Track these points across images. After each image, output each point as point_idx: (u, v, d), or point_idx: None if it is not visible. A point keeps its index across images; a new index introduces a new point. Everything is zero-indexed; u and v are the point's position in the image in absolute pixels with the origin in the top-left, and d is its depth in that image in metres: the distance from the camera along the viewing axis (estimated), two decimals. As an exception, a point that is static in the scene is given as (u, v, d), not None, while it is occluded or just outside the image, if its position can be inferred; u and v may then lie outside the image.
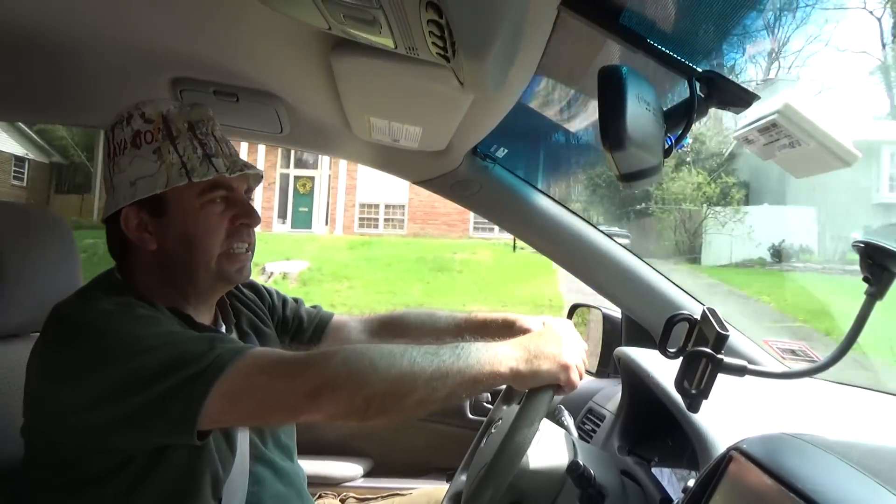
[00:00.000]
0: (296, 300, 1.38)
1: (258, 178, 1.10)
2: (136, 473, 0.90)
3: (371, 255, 14.00)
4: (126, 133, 0.98)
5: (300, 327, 1.33)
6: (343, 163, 16.42)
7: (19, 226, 1.19)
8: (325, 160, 17.68)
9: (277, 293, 1.35)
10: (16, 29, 1.09)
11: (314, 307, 1.39)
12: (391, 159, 1.67)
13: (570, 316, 2.07)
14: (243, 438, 1.05)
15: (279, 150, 16.39)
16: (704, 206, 15.00)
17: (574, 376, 0.93)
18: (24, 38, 1.13)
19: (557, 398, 0.96)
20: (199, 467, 0.94)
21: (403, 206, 18.11)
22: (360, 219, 17.84)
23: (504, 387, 1.20)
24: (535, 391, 0.91)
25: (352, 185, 17.66)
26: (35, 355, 0.92)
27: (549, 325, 1.05)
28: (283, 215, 17.97)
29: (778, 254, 13.65)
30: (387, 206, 18.10)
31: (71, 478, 0.91)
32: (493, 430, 1.07)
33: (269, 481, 1.08)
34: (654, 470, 1.17)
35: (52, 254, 1.23)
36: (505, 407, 1.13)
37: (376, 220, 18.00)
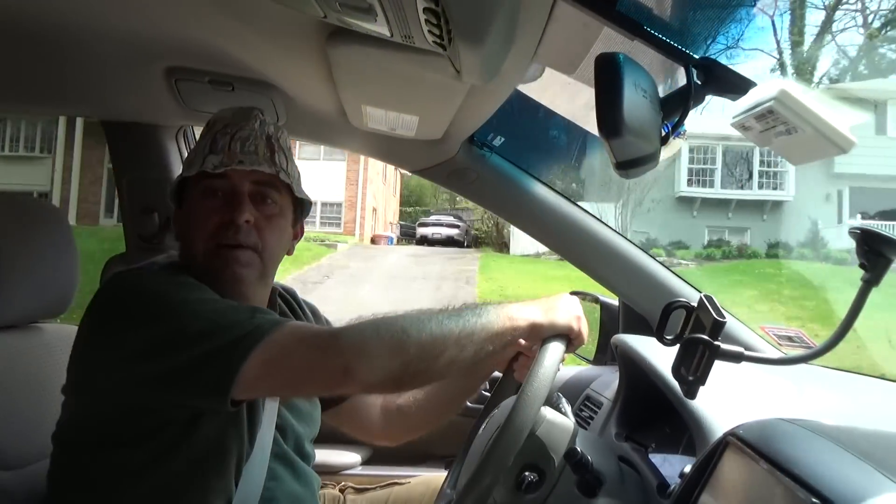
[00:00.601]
0: (326, 321, 1.35)
1: (270, 176, 1.05)
2: (168, 441, 0.93)
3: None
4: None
5: None
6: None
7: (17, 217, 1.19)
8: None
9: (312, 308, 1.32)
10: (5, 17, 1.08)
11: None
12: (387, 148, 1.67)
13: None
14: (267, 431, 1.05)
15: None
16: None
17: (584, 328, 0.99)
18: (14, 27, 1.12)
19: (558, 386, 0.97)
20: (227, 444, 0.97)
21: (340, 204, 18.35)
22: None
23: (501, 376, 1.21)
24: (549, 340, 0.95)
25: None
26: (87, 314, 0.97)
27: (554, 295, 1.08)
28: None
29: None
30: (323, 204, 18.29)
31: (104, 439, 0.94)
32: (491, 417, 1.07)
33: (286, 479, 1.09)
34: (651, 456, 1.18)
35: (50, 245, 1.23)
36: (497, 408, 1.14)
37: (313, 218, 18.09)
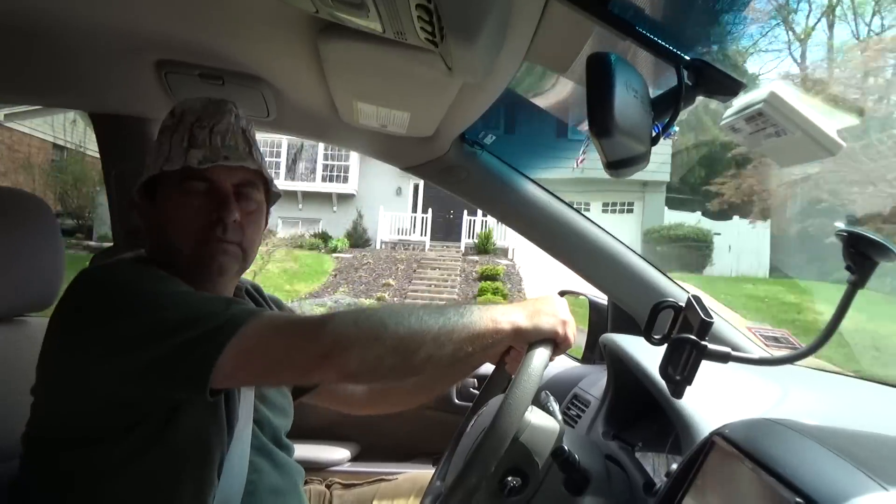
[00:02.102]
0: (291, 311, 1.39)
1: (254, 173, 1.08)
2: (147, 436, 0.92)
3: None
4: (164, 126, 1.06)
5: None
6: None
7: (2, 210, 1.18)
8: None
9: (273, 299, 1.34)
10: None
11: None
12: (378, 145, 1.66)
13: None
14: (245, 425, 1.05)
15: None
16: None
17: (571, 332, 0.97)
18: (3, 19, 1.11)
19: (548, 376, 0.97)
20: (206, 437, 0.97)
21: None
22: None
23: (490, 373, 1.21)
24: (535, 345, 0.93)
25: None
26: (58, 311, 0.96)
27: (542, 295, 1.07)
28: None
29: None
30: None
31: (80, 437, 0.93)
32: (479, 414, 1.07)
33: (267, 472, 1.09)
34: (637, 455, 1.19)
35: (36, 238, 1.22)
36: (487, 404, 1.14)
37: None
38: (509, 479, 0.91)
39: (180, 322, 0.86)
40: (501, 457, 0.83)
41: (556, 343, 0.95)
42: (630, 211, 19.81)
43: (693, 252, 17.35)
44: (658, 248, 17.18)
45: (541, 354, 0.92)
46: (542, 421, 0.94)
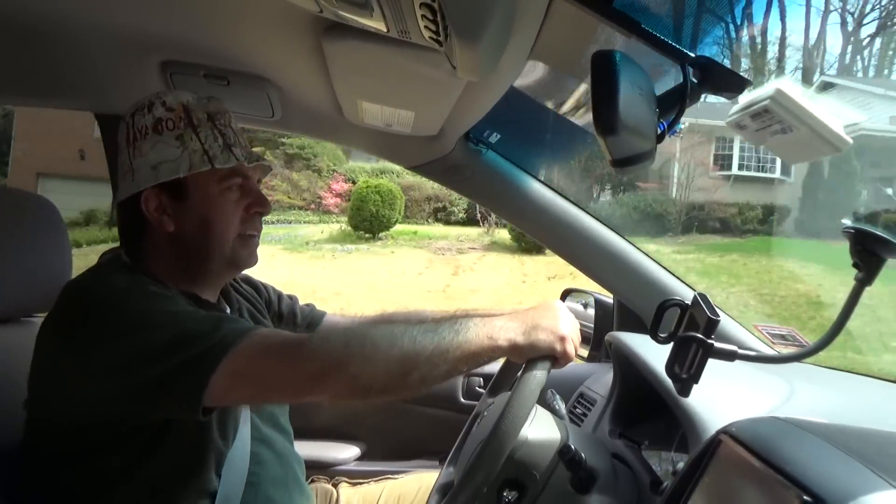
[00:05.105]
0: (290, 297, 1.41)
1: (267, 170, 1.14)
2: (143, 445, 0.92)
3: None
4: (147, 120, 1.02)
5: (294, 323, 1.36)
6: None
7: (9, 210, 1.18)
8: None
9: (273, 289, 1.38)
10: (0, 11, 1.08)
11: (308, 305, 1.43)
12: (383, 144, 1.66)
13: (562, 300, 2.08)
14: (245, 419, 1.06)
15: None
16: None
17: (570, 348, 0.94)
18: (8, 20, 1.11)
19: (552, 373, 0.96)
20: (204, 440, 0.97)
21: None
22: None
23: (496, 374, 1.21)
24: (533, 361, 0.91)
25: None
26: (46, 328, 0.95)
27: (542, 302, 1.05)
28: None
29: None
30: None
31: (77, 449, 0.93)
32: (484, 415, 1.07)
33: (269, 463, 1.10)
34: (644, 453, 1.18)
35: (43, 238, 1.22)
36: (492, 400, 1.14)
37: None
38: (505, 493, 0.91)
39: (170, 344, 0.85)
40: (497, 472, 0.83)
41: (556, 358, 0.93)
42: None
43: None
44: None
45: (536, 376, 0.89)
46: (539, 434, 0.94)
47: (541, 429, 0.94)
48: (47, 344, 0.94)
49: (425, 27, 0.79)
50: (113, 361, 0.86)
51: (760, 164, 15.78)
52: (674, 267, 1.60)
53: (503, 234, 13.31)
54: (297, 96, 1.41)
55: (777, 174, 15.91)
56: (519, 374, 0.93)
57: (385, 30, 0.84)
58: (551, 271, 10.97)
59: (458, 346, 0.88)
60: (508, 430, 0.84)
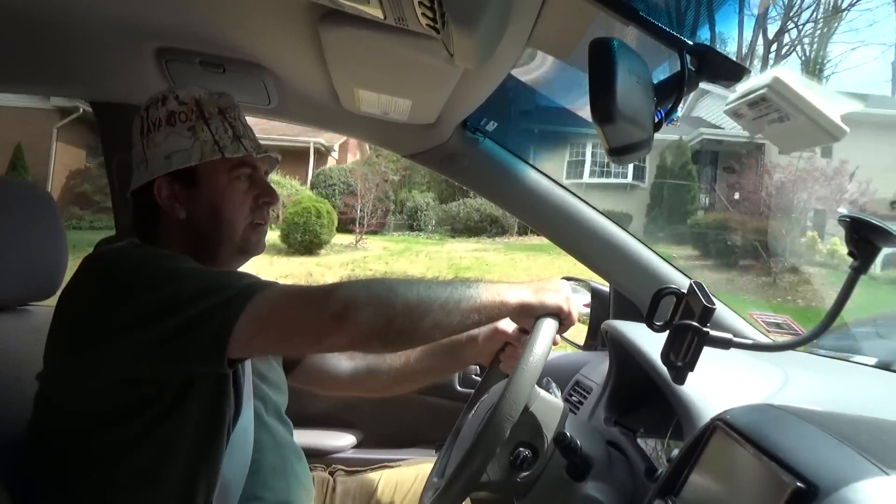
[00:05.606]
0: None
1: (274, 162, 1.18)
2: (161, 410, 0.94)
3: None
4: (161, 112, 1.07)
5: None
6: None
7: (4, 200, 1.18)
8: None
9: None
10: None
11: None
12: (380, 132, 1.66)
13: None
14: (247, 404, 1.07)
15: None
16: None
17: (574, 310, 1.01)
18: (2, 9, 1.10)
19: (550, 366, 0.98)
20: (220, 408, 0.98)
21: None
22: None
23: (480, 380, 1.23)
24: (542, 318, 0.96)
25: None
26: (66, 297, 0.98)
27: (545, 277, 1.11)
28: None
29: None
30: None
31: (95, 418, 0.94)
32: (482, 401, 1.08)
33: (270, 450, 1.12)
34: (639, 440, 1.19)
35: (38, 228, 1.22)
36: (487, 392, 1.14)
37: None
38: (521, 449, 0.93)
39: (195, 293, 0.89)
40: (513, 427, 0.85)
41: (561, 319, 0.99)
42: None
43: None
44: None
45: (549, 325, 0.95)
46: (549, 395, 0.96)
47: (548, 393, 0.97)
48: (67, 310, 0.97)
49: (422, 14, 0.79)
50: (141, 312, 0.89)
51: (607, 169, 15.69)
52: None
53: (272, 235, 12.99)
54: (293, 84, 1.40)
55: (629, 179, 15.94)
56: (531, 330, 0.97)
57: (382, 17, 0.84)
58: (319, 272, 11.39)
59: (469, 297, 0.94)
60: (527, 373, 0.87)
